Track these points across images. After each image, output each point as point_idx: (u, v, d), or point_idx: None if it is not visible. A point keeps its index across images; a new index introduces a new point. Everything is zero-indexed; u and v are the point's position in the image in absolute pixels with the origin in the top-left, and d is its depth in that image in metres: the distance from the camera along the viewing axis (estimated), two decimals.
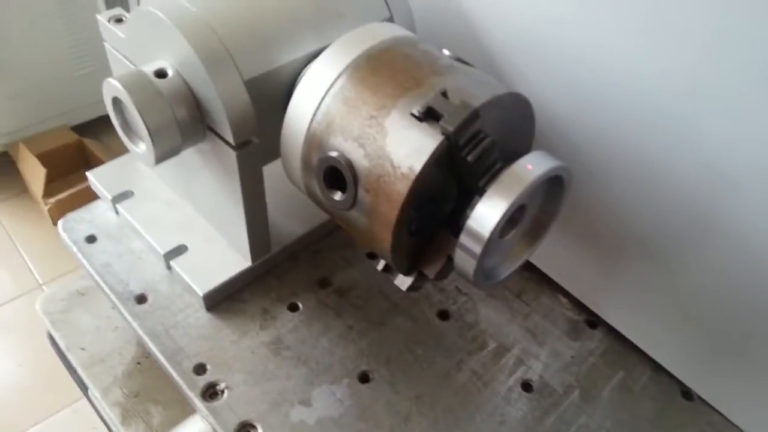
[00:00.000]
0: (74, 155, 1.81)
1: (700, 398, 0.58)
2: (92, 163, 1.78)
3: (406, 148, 0.43)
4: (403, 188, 0.42)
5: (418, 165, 0.42)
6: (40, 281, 1.60)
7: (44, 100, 1.75)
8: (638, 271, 0.57)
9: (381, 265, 0.50)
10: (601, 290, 0.61)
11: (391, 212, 0.43)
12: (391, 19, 0.56)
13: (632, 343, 0.60)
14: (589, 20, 0.49)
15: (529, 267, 0.65)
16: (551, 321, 0.62)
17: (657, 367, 0.60)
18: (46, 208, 1.66)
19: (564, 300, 0.64)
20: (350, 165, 0.45)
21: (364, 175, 0.44)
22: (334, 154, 0.46)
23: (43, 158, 1.70)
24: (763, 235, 0.47)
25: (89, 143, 1.81)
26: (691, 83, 0.45)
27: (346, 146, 0.45)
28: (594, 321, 0.63)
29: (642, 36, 0.47)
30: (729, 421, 0.56)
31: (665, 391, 0.58)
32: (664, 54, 0.46)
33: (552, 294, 0.65)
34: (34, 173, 1.70)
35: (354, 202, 0.46)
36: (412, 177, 0.42)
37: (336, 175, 0.46)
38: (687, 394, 0.58)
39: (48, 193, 1.67)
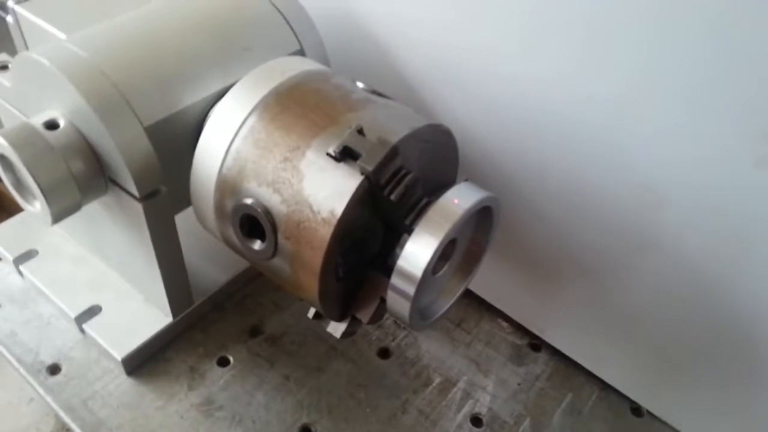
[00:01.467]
0: None
1: (650, 414, 0.57)
2: (12, 210, 1.67)
3: (324, 190, 0.40)
4: (325, 234, 0.39)
5: (339, 208, 0.39)
6: None
7: None
8: (576, 291, 0.56)
9: (311, 312, 0.47)
10: (541, 312, 0.60)
11: (315, 260, 0.40)
12: (301, 52, 0.53)
13: (578, 363, 0.59)
14: (507, 47, 0.48)
15: (467, 294, 0.63)
16: (494, 347, 0.61)
17: (605, 386, 0.59)
18: None
19: (505, 324, 0.63)
20: (267, 212, 0.42)
21: (282, 221, 0.41)
22: (248, 201, 0.42)
23: None
24: (694, 249, 0.46)
25: (4, 188, 1.69)
26: (616, 107, 0.45)
27: (260, 192, 0.42)
28: (537, 344, 0.62)
29: (564, 62, 0.46)
30: None
31: (615, 409, 0.57)
32: (587, 79, 0.45)
33: (492, 319, 0.63)
34: None
35: (275, 251, 0.42)
36: (334, 222, 0.39)
37: (253, 223, 0.43)
38: (637, 410, 0.58)
39: None
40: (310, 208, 0.40)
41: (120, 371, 0.55)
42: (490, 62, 0.50)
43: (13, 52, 0.56)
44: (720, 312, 0.47)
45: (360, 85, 0.46)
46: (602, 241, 0.51)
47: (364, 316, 0.45)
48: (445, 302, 0.46)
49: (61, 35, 0.51)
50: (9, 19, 0.57)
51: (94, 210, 0.52)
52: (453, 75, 0.53)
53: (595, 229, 0.51)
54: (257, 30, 0.51)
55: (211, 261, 0.61)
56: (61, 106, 0.46)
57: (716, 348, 0.49)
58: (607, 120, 0.46)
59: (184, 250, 0.54)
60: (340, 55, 0.57)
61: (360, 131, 0.40)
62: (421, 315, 0.44)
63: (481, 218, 0.44)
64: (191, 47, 0.49)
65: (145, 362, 0.56)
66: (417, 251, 0.39)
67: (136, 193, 0.46)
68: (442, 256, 0.41)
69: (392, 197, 0.39)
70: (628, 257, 0.50)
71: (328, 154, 0.40)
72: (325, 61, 0.54)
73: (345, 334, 0.46)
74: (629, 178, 0.46)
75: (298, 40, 0.53)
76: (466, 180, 0.42)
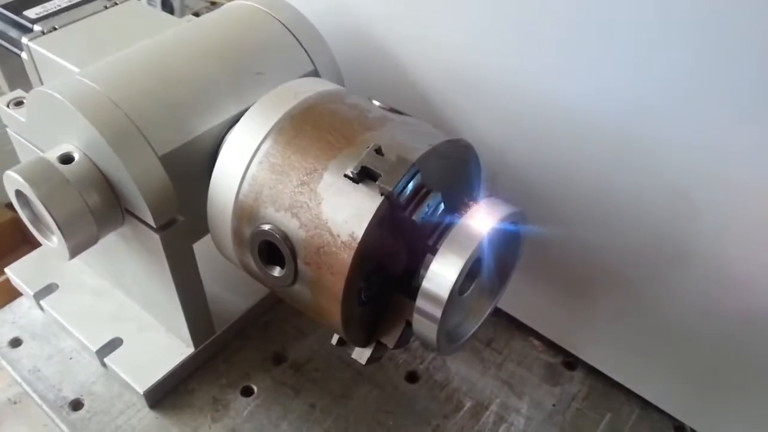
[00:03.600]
0: (11, 234, 1.71)
1: None
2: (33, 242, 1.68)
3: (344, 213, 0.38)
4: (346, 258, 0.38)
5: (359, 231, 0.38)
6: None
7: None
8: (611, 305, 0.54)
9: (335, 339, 0.46)
10: (575, 328, 0.58)
11: (336, 285, 0.39)
12: (315, 73, 0.52)
13: (616, 381, 0.57)
14: (529, 63, 0.47)
15: (495, 312, 0.60)
16: (527, 367, 0.58)
17: (645, 404, 0.56)
18: None
19: (537, 343, 0.61)
20: (286, 237, 0.40)
21: (302, 247, 0.40)
22: (266, 227, 0.41)
23: None
24: (735, 255, 0.44)
25: None
26: (643, 110, 0.43)
27: (278, 217, 0.41)
28: (571, 361, 0.59)
29: (588, 72, 0.44)
30: None
31: (657, 429, 0.55)
32: (611, 87, 0.43)
33: (524, 337, 0.61)
34: None
35: (295, 277, 0.41)
36: (355, 245, 0.38)
37: (272, 249, 0.42)
38: (680, 429, 0.55)
39: None
40: (330, 232, 0.39)
41: (143, 404, 0.54)
42: (513, 77, 0.48)
43: (28, 88, 0.56)
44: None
45: (376, 103, 0.45)
46: (636, 251, 0.49)
47: (390, 340, 0.43)
48: (473, 323, 0.45)
49: (75, 69, 0.51)
50: (24, 55, 0.58)
51: (112, 242, 0.51)
52: (473, 88, 0.51)
53: (628, 239, 0.49)
54: (269, 53, 0.51)
55: (231, 288, 0.60)
56: (75, 139, 0.46)
57: (766, 358, 0.47)
58: (638, 128, 0.44)
59: (203, 278, 0.53)
60: (354, 73, 0.56)
61: (378, 150, 0.39)
62: (448, 337, 0.42)
63: (508, 235, 0.42)
64: (203, 74, 0.48)
65: (167, 395, 0.55)
66: (442, 272, 0.37)
67: (152, 223, 0.45)
68: (468, 275, 0.39)
69: (414, 217, 0.38)
70: (664, 266, 0.48)
71: (345, 176, 0.39)
72: (339, 80, 0.53)
73: (370, 360, 0.45)
74: (663, 185, 0.44)
75: (312, 61, 0.52)
76: (491, 196, 0.41)
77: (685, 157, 0.43)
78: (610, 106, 0.44)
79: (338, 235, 0.38)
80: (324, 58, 0.53)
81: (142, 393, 0.53)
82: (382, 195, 0.37)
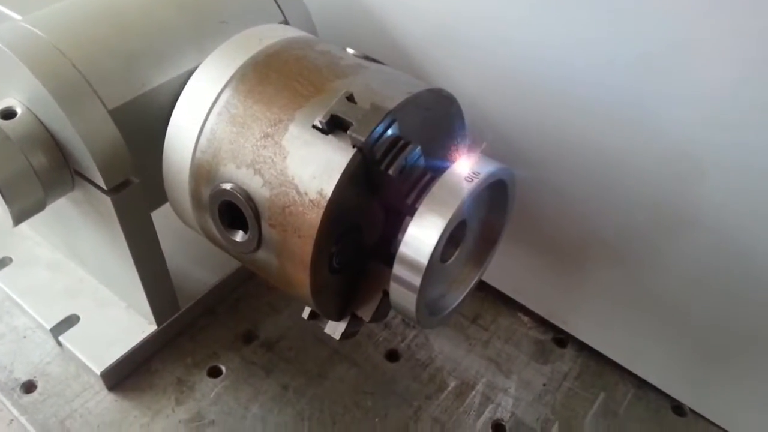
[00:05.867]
0: None
1: (693, 412, 0.52)
2: None
3: (311, 168, 0.35)
4: (314, 219, 0.34)
5: (328, 188, 0.34)
6: None
7: None
8: (605, 277, 0.51)
9: (306, 312, 0.42)
10: (565, 303, 0.55)
11: (304, 249, 0.35)
12: (285, 23, 0.48)
13: (609, 358, 0.55)
14: (516, 11, 0.44)
15: (481, 286, 0.59)
16: (515, 345, 0.56)
17: (641, 383, 0.54)
18: None
19: (526, 318, 0.58)
20: (248, 197, 0.37)
21: (266, 207, 0.36)
22: (227, 186, 0.38)
23: None
24: (740, 222, 0.41)
25: None
26: (642, 65, 0.40)
27: (239, 175, 0.37)
28: (562, 338, 0.57)
29: (580, 22, 0.41)
30: None
31: (654, 409, 0.52)
32: (606, 38, 0.40)
33: (511, 313, 0.59)
34: None
35: (259, 242, 0.38)
36: (324, 204, 0.34)
37: (234, 210, 0.38)
38: (678, 408, 0.53)
39: None
40: (296, 189, 0.35)
41: (101, 386, 0.51)
42: (498, 27, 0.45)
43: None
44: None
45: (350, 51, 0.41)
46: (634, 219, 0.46)
47: (366, 313, 0.40)
48: (457, 295, 0.41)
49: (17, 17, 0.47)
50: None
51: (64, 208, 0.48)
52: (457, 43, 0.48)
53: (624, 206, 0.46)
54: (234, 0, 0.46)
55: (198, 262, 0.57)
56: (17, 92, 0.42)
57: None
58: (632, 81, 0.41)
59: (167, 251, 0.49)
60: (329, 26, 0.52)
61: (350, 98, 0.35)
62: (429, 310, 0.39)
63: (495, 196, 0.39)
64: (160, 21, 0.44)
65: (128, 375, 0.52)
66: (421, 235, 0.34)
67: (103, 185, 0.41)
68: (450, 240, 0.36)
69: (390, 172, 0.34)
70: (663, 235, 0.45)
71: (313, 126, 0.35)
72: (312, 32, 0.49)
73: (345, 335, 0.41)
74: (662, 145, 0.41)
75: (281, 11, 0.48)
76: (476, 153, 0.37)
77: (688, 113, 0.39)
78: (600, 56, 0.41)
79: (305, 193, 0.35)
80: (296, 9, 0.49)
81: (99, 374, 0.50)
82: (354, 147, 0.34)
